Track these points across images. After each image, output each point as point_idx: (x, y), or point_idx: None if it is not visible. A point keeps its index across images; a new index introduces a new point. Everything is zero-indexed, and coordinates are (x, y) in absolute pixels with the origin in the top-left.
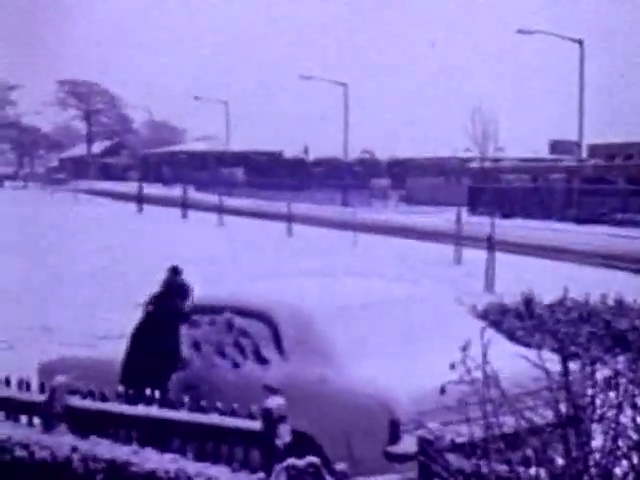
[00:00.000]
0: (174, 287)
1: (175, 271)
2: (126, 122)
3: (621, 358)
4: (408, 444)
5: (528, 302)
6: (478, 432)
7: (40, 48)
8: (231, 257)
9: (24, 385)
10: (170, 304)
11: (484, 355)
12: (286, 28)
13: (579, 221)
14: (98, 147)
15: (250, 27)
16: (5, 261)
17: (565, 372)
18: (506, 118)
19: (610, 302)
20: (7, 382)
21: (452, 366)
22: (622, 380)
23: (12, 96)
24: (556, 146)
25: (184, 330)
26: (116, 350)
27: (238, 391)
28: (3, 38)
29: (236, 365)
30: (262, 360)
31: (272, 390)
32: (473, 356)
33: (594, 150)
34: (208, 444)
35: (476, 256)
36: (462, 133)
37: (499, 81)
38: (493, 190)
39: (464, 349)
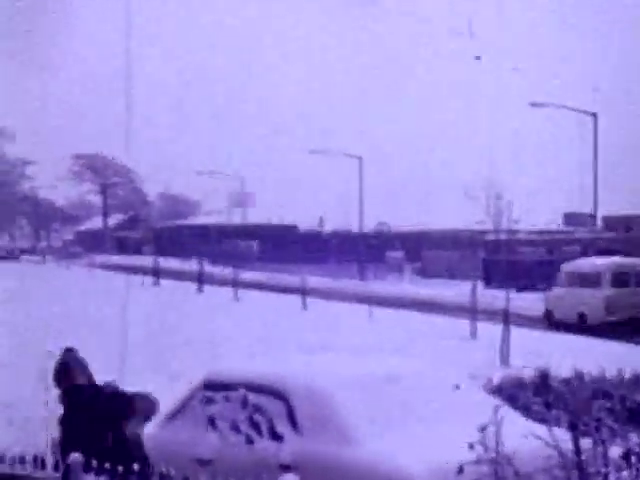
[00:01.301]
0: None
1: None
2: (141, 195)
3: (634, 435)
4: None
5: (544, 376)
6: None
7: (54, 122)
8: (246, 332)
9: (39, 462)
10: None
11: (498, 434)
12: (297, 100)
13: None
14: (113, 220)
15: (261, 99)
16: (27, 338)
17: (577, 450)
18: (520, 190)
19: (626, 376)
20: (22, 460)
21: (471, 446)
22: (634, 458)
23: (28, 171)
24: (570, 218)
25: (199, 407)
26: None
27: (252, 467)
28: (17, 113)
29: (250, 441)
30: (276, 436)
31: (287, 468)
32: (486, 434)
33: (609, 222)
34: None
35: (491, 329)
36: (475, 206)
37: (512, 153)
38: (507, 262)
39: (482, 430)
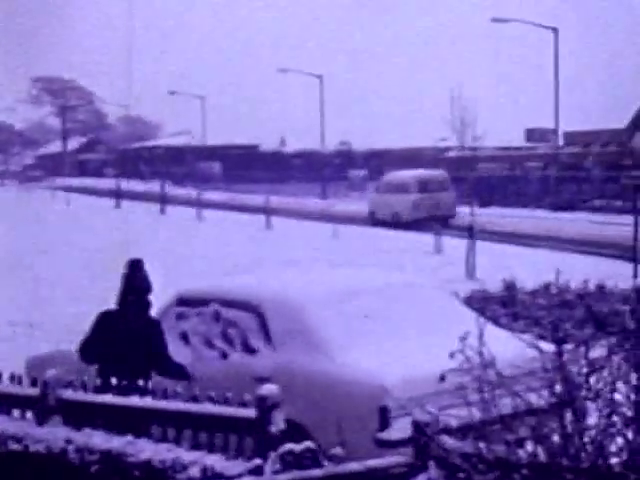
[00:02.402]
0: (134, 283)
1: (134, 266)
2: (101, 118)
3: (613, 338)
4: (398, 430)
5: (510, 289)
6: (474, 414)
7: (13, 45)
8: (211, 251)
9: (16, 379)
10: (133, 301)
11: (481, 338)
12: (260, 20)
13: (556, 208)
14: (74, 144)
15: (225, 21)
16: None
17: (559, 352)
18: (483, 107)
19: (591, 287)
20: None
21: (451, 355)
22: (615, 358)
23: None
24: (532, 134)
25: (171, 323)
26: None
27: (227, 381)
28: None
29: (225, 355)
30: (250, 350)
31: (263, 380)
32: (467, 342)
33: (570, 137)
34: (202, 433)
35: (456, 245)
36: (439, 123)
37: (475, 70)
38: (470, 179)
39: (463, 339)
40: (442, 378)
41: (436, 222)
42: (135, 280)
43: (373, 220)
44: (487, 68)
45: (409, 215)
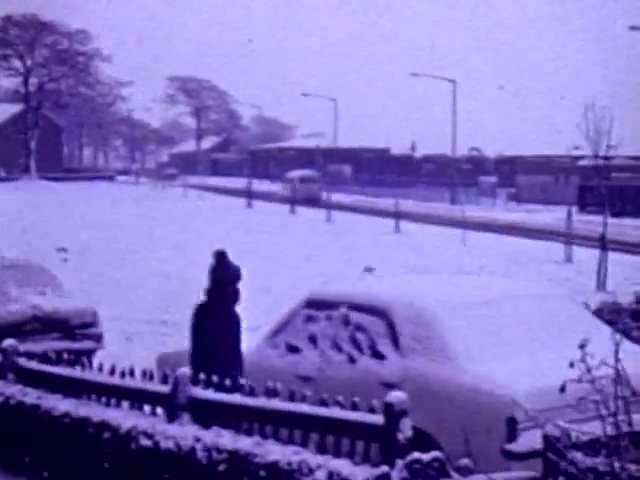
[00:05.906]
0: (221, 272)
1: (221, 255)
2: (235, 118)
3: None
4: (526, 442)
5: None
6: (606, 430)
7: (150, 45)
8: (339, 252)
9: (148, 375)
10: (221, 289)
11: (616, 352)
12: (393, 25)
13: None
14: (207, 143)
15: (359, 24)
16: (123, 257)
17: None
18: (618, 115)
19: None
20: (131, 373)
21: (571, 364)
22: None
23: (123, 92)
24: None
25: (301, 325)
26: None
27: (354, 386)
28: (114, 36)
29: (352, 360)
30: (378, 355)
31: (390, 386)
32: (593, 354)
33: None
34: (329, 437)
35: (587, 254)
36: (572, 131)
37: (610, 78)
38: (604, 188)
39: (581, 347)
40: (562, 389)
41: (308, 201)
42: (219, 271)
43: (282, 199)
44: (623, 77)
45: (295, 196)
